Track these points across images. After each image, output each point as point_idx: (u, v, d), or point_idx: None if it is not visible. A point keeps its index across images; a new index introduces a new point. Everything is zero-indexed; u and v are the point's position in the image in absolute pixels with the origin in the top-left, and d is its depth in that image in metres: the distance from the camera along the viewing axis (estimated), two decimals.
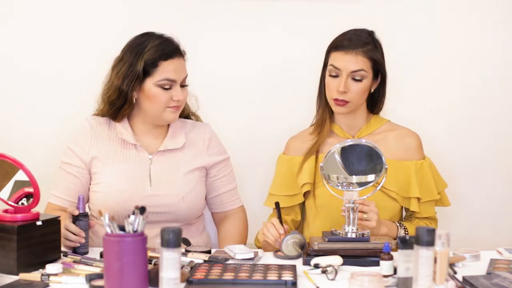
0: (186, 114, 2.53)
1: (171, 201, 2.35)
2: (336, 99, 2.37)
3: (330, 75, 2.38)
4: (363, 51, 2.35)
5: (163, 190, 2.36)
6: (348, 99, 2.36)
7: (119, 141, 2.40)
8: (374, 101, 2.48)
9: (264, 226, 2.22)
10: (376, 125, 2.46)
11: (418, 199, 2.41)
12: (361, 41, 2.37)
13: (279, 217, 2.23)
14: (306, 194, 2.47)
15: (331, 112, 2.47)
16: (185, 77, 2.39)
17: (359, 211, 2.13)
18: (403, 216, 2.50)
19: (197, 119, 2.57)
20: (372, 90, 2.42)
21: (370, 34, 2.41)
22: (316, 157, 2.43)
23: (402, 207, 2.45)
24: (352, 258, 2.02)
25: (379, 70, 2.40)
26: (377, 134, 2.44)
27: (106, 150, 2.39)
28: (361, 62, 2.35)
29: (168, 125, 2.45)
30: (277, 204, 2.30)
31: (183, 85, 2.38)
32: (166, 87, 2.33)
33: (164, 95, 2.33)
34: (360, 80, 2.36)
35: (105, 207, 1.74)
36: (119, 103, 2.36)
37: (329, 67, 2.39)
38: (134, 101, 2.36)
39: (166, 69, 2.33)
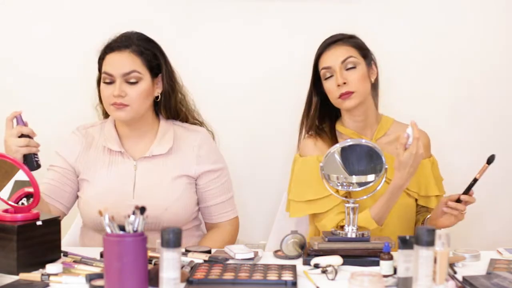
0: (182, 117, 2.42)
1: (154, 213, 2.24)
2: (340, 95, 2.35)
3: (325, 79, 2.38)
4: (344, 41, 2.38)
5: (145, 200, 2.13)
6: (351, 89, 2.34)
7: (106, 149, 2.35)
8: None
9: None
10: (387, 125, 2.47)
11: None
12: (340, 35, 2.40)
13: None
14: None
15: (334, 120, 2.45)
16: (131, 73, 2.24)
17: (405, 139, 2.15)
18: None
19: (201, 124, 2.46)
20: (373, 80, 2.42)
21: (350, 35, 2.43)
22: None
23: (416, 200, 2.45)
24: (352, 258, 2.02)
25: (369, 56, 2.41)
26: (391, 135, 2.44)
27: (94, 159, 2.34)
28: (346, 51, 2.37)
29: (158, 129, 2.36)
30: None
31: (131, 82, 2.25)
32: (107, 81, 2.25)
33: (105, 90, 2.25)
34: (354, 67, 2.36)
35: (105, 207, 1.73)
36: (103, 107, 2.35)
37: (322, 72, 2.39)
38: None
39: (106, 63, 2.27)
